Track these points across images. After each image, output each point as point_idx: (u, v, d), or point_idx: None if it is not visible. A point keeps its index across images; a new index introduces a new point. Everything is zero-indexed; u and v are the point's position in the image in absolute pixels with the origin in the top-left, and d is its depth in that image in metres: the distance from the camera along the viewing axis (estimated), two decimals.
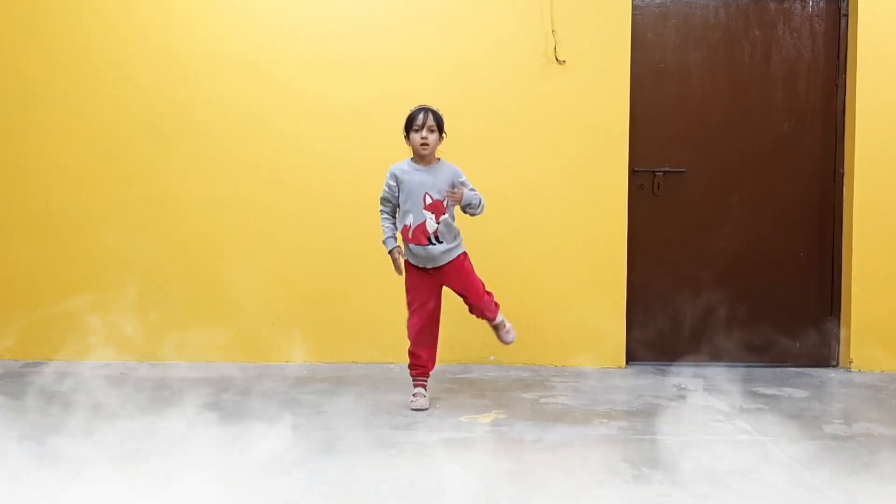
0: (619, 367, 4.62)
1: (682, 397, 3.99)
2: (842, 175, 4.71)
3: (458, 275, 3.76)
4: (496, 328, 3.88)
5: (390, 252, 3.75)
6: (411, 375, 3.80)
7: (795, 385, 4.29)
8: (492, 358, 4.60)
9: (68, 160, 4.64)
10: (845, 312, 4.67)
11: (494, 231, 4.55)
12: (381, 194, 3.77)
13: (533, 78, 4.60)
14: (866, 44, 4.58)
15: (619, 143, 4.62)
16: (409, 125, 3.69)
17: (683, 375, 4.44)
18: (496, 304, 3.84)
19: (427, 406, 3.72)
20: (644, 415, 3.65)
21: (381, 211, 3.78)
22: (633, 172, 4.68)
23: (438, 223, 3.68)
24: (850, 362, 4.62)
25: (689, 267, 4.74)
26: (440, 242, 3.69)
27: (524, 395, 3.97)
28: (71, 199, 4.64)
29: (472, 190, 3.73)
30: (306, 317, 4.64)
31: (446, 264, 3.73)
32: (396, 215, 3.77)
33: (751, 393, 4.09)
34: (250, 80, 4.62)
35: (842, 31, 4.69)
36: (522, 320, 4.52)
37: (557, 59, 4.59)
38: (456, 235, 3.77)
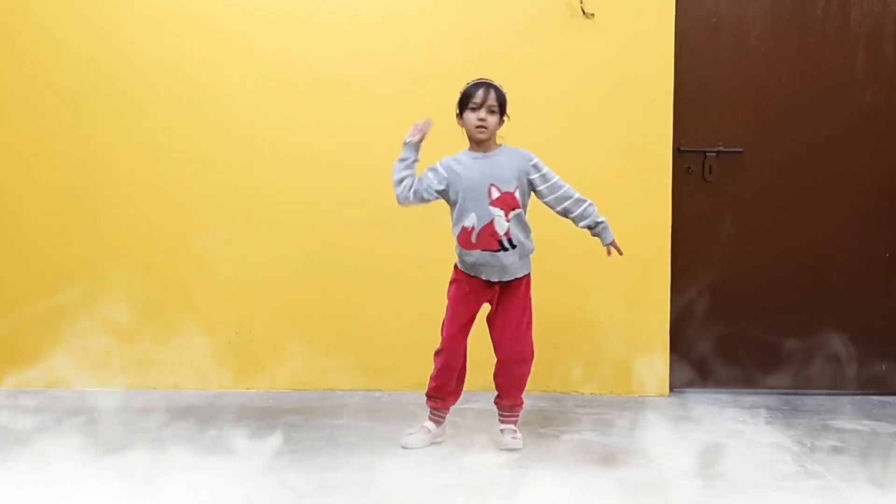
0: (662, 396, 4.65)
1: (740, 433, 3.99)
2: None
3: (518, 302, 3.74)
4: (506, 420, 3.83)
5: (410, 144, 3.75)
6: (429, 405, 3.84)
7: (880, 417, 4.30)
8: None
9: None
10: None
11: None
12: (422, 179, 3.72)
13: (554, 34, 4.61)
14: None
15: (661, 117, 4.64)
16: (465, 102, 3.68)
17: (740, 406, 4.45)
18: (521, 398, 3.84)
19: (426, 444, 3.74)
20: (691, 455, 3.65)
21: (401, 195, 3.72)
22: (678, 153, 4.70)
23: (509, 221, 3.65)
24: None
25: (748, 271, 4.75)
26: (514, 247, 3.66)
27: (542, 431, 3.99)
28: None
29: (561, 184, 3.75)
30: (272, 333, 4.66)
31: (516, 280, 3.72)
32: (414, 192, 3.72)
33: (825, 427, 4.10)
34: (199, 36, 4.64)
35: None
36: (541, 338, 4.54)
37: (584, 12, 4.61)
38: (530, 239, 3.75)
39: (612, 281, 4.60)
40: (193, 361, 4.64)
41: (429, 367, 3.82)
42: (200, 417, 4.10)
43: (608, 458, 3.60)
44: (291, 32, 4.65)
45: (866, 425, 4.16)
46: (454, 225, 3.72)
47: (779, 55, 4.74)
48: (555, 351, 4.53)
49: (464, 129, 3.73)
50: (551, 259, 4.33)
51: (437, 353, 3.79)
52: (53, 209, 4.67)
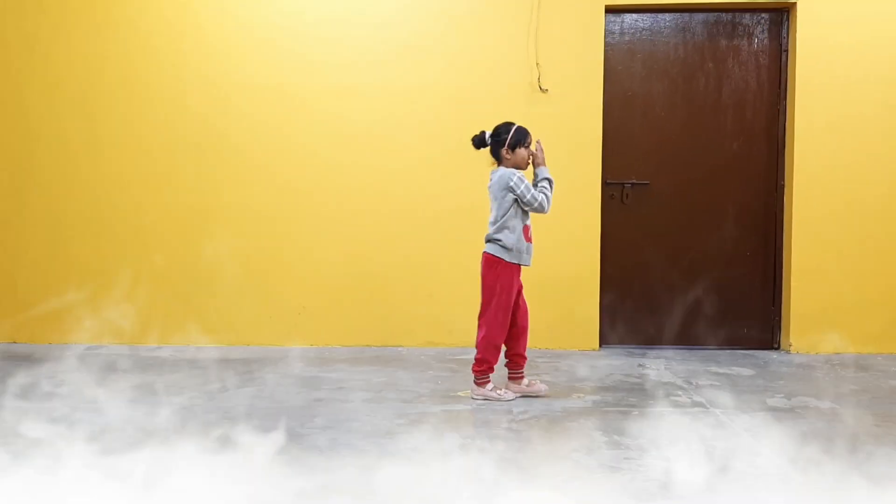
0: (594, 350, 4.65)
1: (646, 375, 4.01)
2: (783, 186, 4.74)
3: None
4: (518, 360, 3.52)
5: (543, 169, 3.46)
6: (483, 373, 3.45)
7: (743, 365, 4.31)
8: None
9: (127, 175, 4.66)
10: (786, 303, 4.70)
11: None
12: (531, 189, 3.39)
13: (520, 103, 4.61)
14: (803, 75, 4.61)
15: (593, 159, 4.65)
16: (521, 140, 3.44)
17: (648, 357, 4.46)
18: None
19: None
20: (614, 390, 3.67)
21: (536, 192, 3.39)
22: (605, 184, 4.70)
23: None
24: (790, 346, 4.65)
25: (655, 265, 4.75)
26: None
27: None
28: (129, 208, 4.66)
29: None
30: (327, 306, 4.67)
31: None
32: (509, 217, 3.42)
33: (705, 371, 4.11)
34: (279, 103, 4.65)
35: (783, 64, 4.72)
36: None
37: (541, 88, 4.62)
38: None
39: (561, 272, 4.60)
40: (274, 325, 4.65)
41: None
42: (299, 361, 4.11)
43: (558, 393, 3.59)
44: (340, 100, 4.65)
45: (734, 370, 4.17)
46: (518, 223, 3.41)
47: (674, 117, 4.75)
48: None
49: (509, 158, 3.45)
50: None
51: (494, 346, 3.42)
52: (180, 222, 4.66)
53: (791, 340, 4.65)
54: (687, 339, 4.68)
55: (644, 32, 4.72)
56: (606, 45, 4.68)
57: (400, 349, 4.59)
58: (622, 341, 4.72)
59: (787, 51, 4.71)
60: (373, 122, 4.65)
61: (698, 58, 4.73)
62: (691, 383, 3.83)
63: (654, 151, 4.76)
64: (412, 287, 4.65)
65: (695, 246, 4.75)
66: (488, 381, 3.47)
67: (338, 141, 4.66)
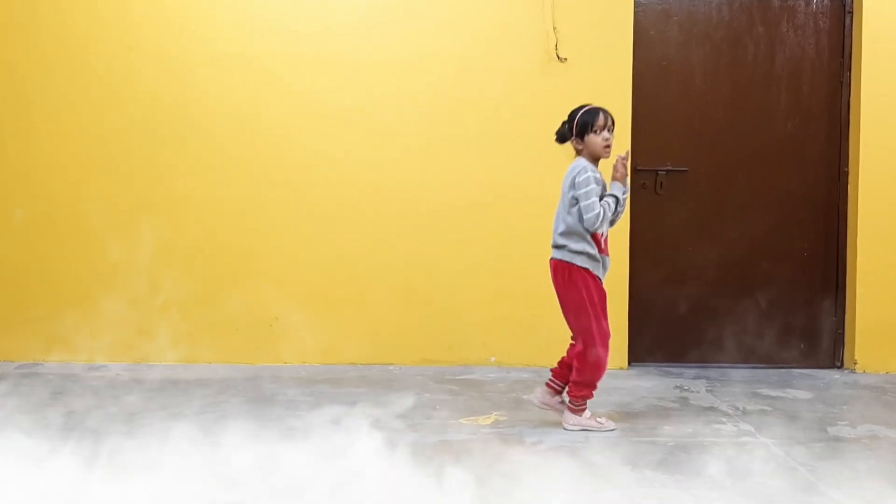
0: (622, 369, 4.63)
1: (685, 399, 4.00)
2: (846, 174, 4.73)
3: None
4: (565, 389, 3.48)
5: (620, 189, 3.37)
6: (582, 399, 3.40)
7: (799, 386, 4.30)
8: (493, 359, 4.61)
9: (64, 161, 4.65)
10: (850, 313, 4.69)
11: (495, 230, 4.58)
12: (591, 196, 3.29)
13: (533, 76, 4.61)
14: (871, 41, 4.60)
15: (621, 142, 4.60)
16: (589, 125, 3.36)
17: (686, 377, 4.46)
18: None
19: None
20: (646, 416, 3.66)
21: (599, 211, 3.29)
22: (635, 171, 4.69)
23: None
24: (855, 363, 4.64)
25: (692, 267, 4.75)
26: None
27: (526, 397, 3.98)
28: (68, 200, 4.65)
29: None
30: (304, 317, 4.65)
31: None
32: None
33: (754, 394, 4.09)
34: (246, 77, 4.63)
35: (846, 28, 4.71)
36: (524, 322, 4.55)
37: (559, 57, 4.61)
38: None
39: None
40: (243, 342, 4.65)
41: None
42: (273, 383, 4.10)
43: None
44: (319, 75, 4.64)
45: (788, 393, 4.16)
46: (589, 230, 3.35)
47: (717, 92, 4.74)
48: (536, 333, 4.52)
49: (581, 149, 3.41)
50: (530, 265, 4.34)
51: (594, 364, 3.38)
52: (127, 216, 4.65)
53: (856, 358, 4.64)
54: (732, 356, 4.67)
55: None
56: (636, 4, 4.67)
57: (391, 368, 4.58)
58: (655, 358, 4.71)
59: (851, 12, 4.70)
60: (359, 101, 4.64)
61: (746, 20, 4.72)
62: (738, 408, 3.82)
63: (694, 132, 4.75)
64: (406, 295, 4.64)
65: (741, 245, 4.74)
66: (585, 408, 3.43)
67: (317, 122, 4.65)
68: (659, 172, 4.72)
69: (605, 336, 3.39)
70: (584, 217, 3.32)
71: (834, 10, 4.72)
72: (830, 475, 2.90)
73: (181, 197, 4.66)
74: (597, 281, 3.40)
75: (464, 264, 4.57)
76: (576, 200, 3.34)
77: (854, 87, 4.67)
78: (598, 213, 3.31)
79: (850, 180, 4.71)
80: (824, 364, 4.74)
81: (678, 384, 4.30)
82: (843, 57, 4.72)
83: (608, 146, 3.39)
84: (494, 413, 3.68)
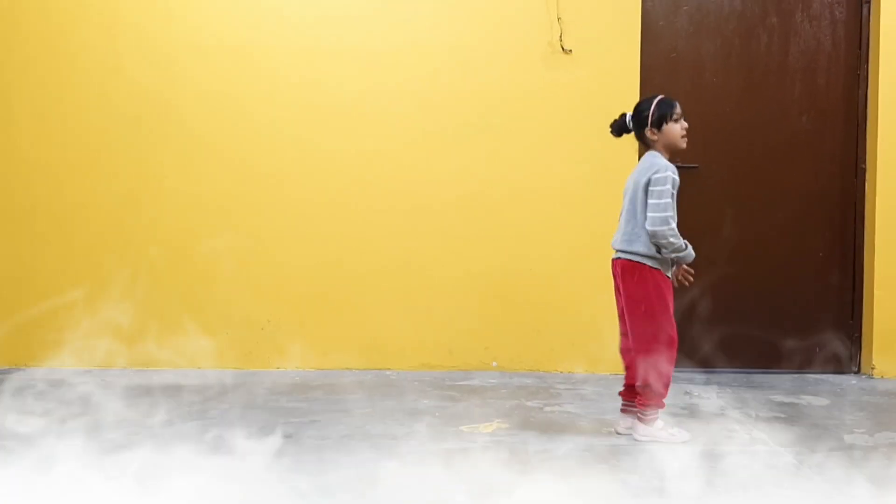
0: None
1: (694, 405, 3.99)
2: (864, 170, 4.73)
3: None
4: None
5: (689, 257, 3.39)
6: (652, 408, 3.35)
7: (814, 392, 4.30)
8: (494, 364, 4.61)
9: (48, 156, 4.65)
10: (867, 316, 4.69)
11: (496, 228, 4.57)
12: (665, 196, 3.27)
13: (537, 67, 4.61)
14: (889, 31, 4.60)
15: (627, 138, 4.61)
16: (668, 115, 3.35)
17: (696, 382, 4.45)
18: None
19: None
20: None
21: (671, 213, 3.28)
22: None
23: None
24: (873, 369, 4.64)
25: (701, 267, 4.72)
26: None
27: (528, 404, 3.98)
28: (51, 197, 4.65)
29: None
30: (297, 321, 4.65)
31: None
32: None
33: (767, 400, 4.09)
34: (236, 68, 4.64)
35: (863, 18, 4.71)
36: (528, 325, 4.55)
37: (563, 49, 4.61)
38: None
39: (586, 276, 4.58)
40: (234, 347, 4.64)
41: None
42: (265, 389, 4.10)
43: (584, 428, 3.59)
44: (312, 65, 4.64)
45: (803, 399, 4.16)
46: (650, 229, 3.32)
47: (728, 85, 4.74)
48: (539, 336, 4.52)
49: (657, 139, 3.38)
50: (532, 264, 4.34)
51: (667, 363, 3.33)
52: (113, 212, 4.65)
53: (874, 362, 4.64)
54: (744, 360, 4.67)
55: None
56: None
57: (388, 373, 4.58)
58: None
59: (868, 2, 4.70)
60: (352, 92, 4.64)
61: (759, 10, 4.72)
62: (750, 415, 3.81)
63: (704, 128, 4.74)
64: (404, 297, 4.64)
65: (754, 245, 4.74)
66: (656, 418, 3.39)
67: (309, 115, 4.65)
68: None
69: (673, 342, 3.37)
70: (650, 215, 3.29)
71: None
72: (846, 485, 2.89)
73: (168, 195, 4.65)
74: (668, 282, 3.41)
75: (464, 263, 4.56)
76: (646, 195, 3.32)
77: (871, 81, 4.68)
78: (669, 215, 3.28)
79: (867, 178, 4.71)
80: (840, 369, 4.73)
81: (687, 390, 4.29)
82: (860, 49, 4.72)
83: (685, 136, 3.40)
84: (496, 420, 3.67)
